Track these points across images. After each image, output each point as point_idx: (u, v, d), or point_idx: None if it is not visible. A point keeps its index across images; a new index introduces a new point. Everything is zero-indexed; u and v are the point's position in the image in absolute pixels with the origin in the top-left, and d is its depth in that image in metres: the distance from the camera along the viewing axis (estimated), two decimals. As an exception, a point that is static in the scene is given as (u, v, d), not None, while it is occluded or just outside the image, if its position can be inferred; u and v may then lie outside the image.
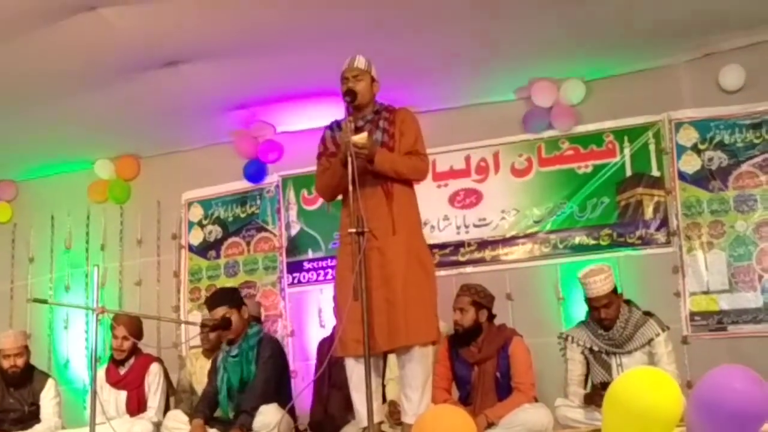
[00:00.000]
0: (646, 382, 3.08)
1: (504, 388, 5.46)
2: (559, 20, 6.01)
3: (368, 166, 4.46)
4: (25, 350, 6.40)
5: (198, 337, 6.66)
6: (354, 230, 4.28)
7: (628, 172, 6.86)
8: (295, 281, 7.72)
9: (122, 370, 6.22)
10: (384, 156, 4.50)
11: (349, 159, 4.29)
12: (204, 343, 6.53)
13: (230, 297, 5.92)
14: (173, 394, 6.47)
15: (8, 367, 6.30)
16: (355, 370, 4.49)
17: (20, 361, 6.32)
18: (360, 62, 4.65)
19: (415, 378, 4.49)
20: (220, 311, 5.72)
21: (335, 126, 4.78)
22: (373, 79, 4.70)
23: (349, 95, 4.54)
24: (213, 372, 5.92)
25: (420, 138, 4.71)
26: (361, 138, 4.38)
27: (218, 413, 5.83)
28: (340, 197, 4.74)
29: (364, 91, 4.62)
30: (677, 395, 3.07)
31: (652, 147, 6.81)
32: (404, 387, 4.55)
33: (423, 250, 4.70)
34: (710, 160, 6.63)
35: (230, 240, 8.06)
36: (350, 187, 4.27)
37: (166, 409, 6.20)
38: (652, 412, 2.99)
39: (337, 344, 4.54)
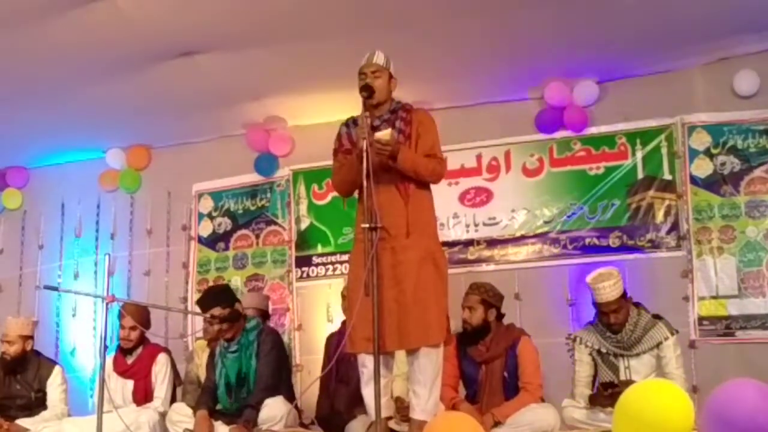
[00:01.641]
0: (657, 395, 3.08)
1: (511, 388, 5.46)
2: (575, 21, 6.00)
3: (390, 163, 4.45)
4: (22, 339, 6.31)
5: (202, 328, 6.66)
6: (367, 225, 4.27)
7: (640, 175, 6.85)
8: (304, 275, 7.73)
9: (129, 360, 6.22)
10: (406, 154, 4.48)
11: (364, 155, 4.28)
12: (206, 334, 6.53)
13: (223, 296, 5.88)
14: (180, 385, 6.47)
15: (1, 353, 6.31)
16: (367, 366, 4.49)
17: (12, 349, 6.26)
18: (379, 58, 4.61)
19: (424, 375, 4.49)
20: (215, 311, 5.69)
21: (351, 123, 4.75)
22: (391, 77, 4.65)
23: (366, 91, 4.49)
24: (211, 366, 5.91)
25: (438, 141, 4.70)
26: (384, 135, 4.37)
27: (220, 406, 5.83)
28: (356, 195, 4.73)
29: (382, 88, 4.57)
30: (688, 408, 3.07)
31: (664, 150, 6.80)
32: (413, 383, 4.55)
33: (438, 252, 4.68)
34: (722, 164, 6.63)
35: (239, 232, 8.07)
36: (365, 183, 4.26)
37: (173, 399, 6.21)
38: (662, 424, 2.99)
39: (347, 341, 4.54)
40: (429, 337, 4.46)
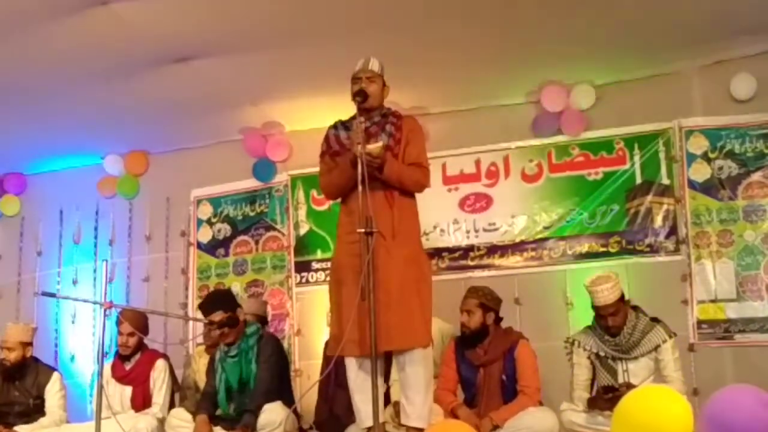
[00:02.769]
0: (656, 401, 3.07)
1: (509, 391, 5.45)
2: (571, 24, 6.00)
3: (376, 174, 4.47)
4: (22, 345, 6.32)
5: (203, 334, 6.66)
6: (363, 230, 4.28)
7: (638, 180, 6.85)
8: (303, 281, 7.73)
9: (128, 366, 6.22)
10: (392, 166, 4.53)
11: (359, 161, 4.29)
12: (206, 339, 6.53)
13: (225, 300, 5.92)
14: (178, 391, 6.47)
15: (1, 359, 6.30)
16: (355, 372, 4.50)
17: (12, 356, 6.26)
18: (374, 65, 4.67)
19: (417, 380, 4.48)
20: (217, 316, 5.71)
21: (340, 125, 4.79)
22: (384, 84, 4.72)
23: (360, 96, 4.53)
24: (211, 371, 5.92)
25: (424, 150, 4.77)
26: (375, 148, 4.40)
27: (220, 411, 5.83)
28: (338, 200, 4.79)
29: (376, 94, 4.63)
30: (687, 414, 3.06)
31: (662, 154, 6.80)
32: (406, 389, 4.54)
33: (421, 256, 4.73)
34: (720, 168, 6.62)
35: (239, 238, 8.06)
36: (359, 188, 4.28)
37: (171, 405, 6.20)
38: (661, 430, 2.98)
39: (333, 345, 4.54)
40: (414, 339, 4.46)
